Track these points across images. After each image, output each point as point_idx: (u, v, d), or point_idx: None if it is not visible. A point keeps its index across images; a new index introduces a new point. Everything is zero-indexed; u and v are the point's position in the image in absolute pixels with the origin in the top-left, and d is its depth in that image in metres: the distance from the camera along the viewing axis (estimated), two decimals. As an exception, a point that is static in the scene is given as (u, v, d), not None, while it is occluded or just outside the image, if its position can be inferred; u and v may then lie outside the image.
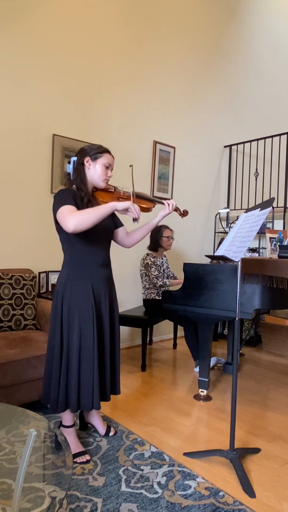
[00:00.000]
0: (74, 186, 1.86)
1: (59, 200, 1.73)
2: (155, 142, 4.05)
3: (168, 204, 1.95)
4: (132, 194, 1.90)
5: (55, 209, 1.73)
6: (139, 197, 1.95)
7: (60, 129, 3.25)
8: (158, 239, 3.44)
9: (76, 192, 1.82)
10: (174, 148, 4.26)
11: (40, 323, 2.71)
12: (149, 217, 2.24)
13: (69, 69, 3.29)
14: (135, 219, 1.75)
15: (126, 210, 1.74)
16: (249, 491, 1.66)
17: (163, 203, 1.99)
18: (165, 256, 3.66)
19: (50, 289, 3.08)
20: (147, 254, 3.41)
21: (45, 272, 3.09)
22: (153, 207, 1.99)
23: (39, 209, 3.14)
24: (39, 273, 3.07)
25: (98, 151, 1.83)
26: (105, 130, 3.60)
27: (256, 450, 2.01)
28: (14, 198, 3.00)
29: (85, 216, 1.64)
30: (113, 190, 1.92)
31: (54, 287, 3.02)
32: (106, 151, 1.86)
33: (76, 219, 1.62)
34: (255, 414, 2.46)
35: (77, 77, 3.35)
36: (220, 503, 1.58)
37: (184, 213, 2.11)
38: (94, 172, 1.83)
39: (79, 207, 1.75)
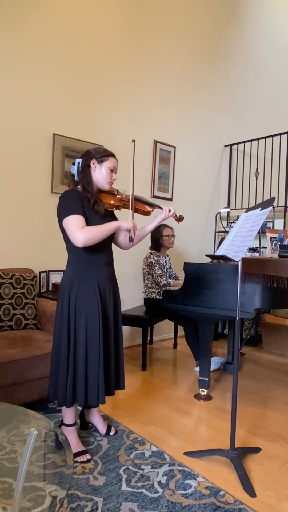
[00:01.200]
0: (79, 186, 1.90)
1: (66, 206, 1.78)
2: (156, 142, 4.05)
3: (166, 210, 2.03)
4: (132, 198, 1.94)
5: (62, 214, 1.78)
6: (139, 201, 2.00)
7: (60, 128, 3.25)
8: (158, 238, 3.45)
9: (82, 193, 1.85)
10: (174, 147, 4.26)
11: (40, 323, 2.71)
12: (147, 221, 2.25)
13: (69, 68, 3.29)
14: (131, 239, 1.91)
15: (128, 230, 1.89)
16: (250, 490, 1.66)
17: (161, 208, 2.04)
18: (167, 256, 3.66)
19: (50, 289, 3.08)
20: (151, 253, 3.42)
21: (46, 271, 3.09)
22: (152, 211, 2.04)
23: (39, 209, 3.14)
24: (40, 272, 3.07)
25: (103, 154, 1.88)
26: (105, 130, 3.60)
27: (257, 450, 2.01)
28: (14, 198, 3.00)
29: (95, 234, 1.75)
30: (115, 193, 1.97)
31: (56, 286, 3.03)
32: (112, 155, 1.91)
33: (86, 236, 1.73)
34: (256, 414, 2.46)
35: (78, 77, 3.35)
36: (221, 503, 1.58)
37: (180, 219, 2.18)
38: (100, 174, 1.88)
39: (84, 209, 1.80)
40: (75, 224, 1.73)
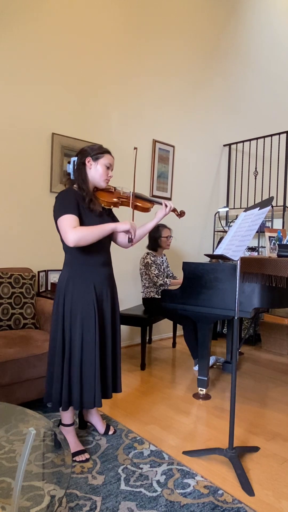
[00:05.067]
0: (75, 185, 1.87)
1: (60, 206, 1.76)
2: (155, 141, 4.05)
3: (166, 205, 2.00)
4: (132, 195, 1.92)
5: (57, 214, 1.76)
6: (138, 198, 1.98)
7: (59, 128, 3.24)
8: (157, 238, 3.44)
9: (78, 192, 1.83)
10: (173, 147, 4.26)
11: (39, 322, 2.71)
12: (147, 218, 2.25)
13: (68, 68, 3.28)
14: (130, 240, 1.84)
15: (126, 231, 1.83)
16: (248, 489, 1.67)
17: (161, 204, 2.02)
18: (164, 255, 3.66)
19: (49, 288, 3.08)
20: (147, 253, 3.41)
21: (45, 271, 3.09)
22: (152, 207, 2.02)
23: (38, 208, 3.13)
24: (39, 272, 3.07)
25: (99, 151, 1.86)
26: (104, 129, 3.59)
27: (255, 449, 2.01)
28: (13, 197, 2.99)
29: (87, 234, 1.71)
30: (113, 190, 1.94)
31: (54, 286, 3.03)
32: (107, 151, 1.88)
33: (77, 236, 1.69)
34: (254, 413, 2.46)
35: (77, 76, 3.35)
36: (219, 502, 1.59)
37: (181, 214, 2.15)
38: (95, 172, 1.85)
39: (80, 209, 1.78)
40: (67, 223, 1.71)
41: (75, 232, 1.69)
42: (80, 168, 1.85)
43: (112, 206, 1.91)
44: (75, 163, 1.87)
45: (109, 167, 1.88)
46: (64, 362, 1.81)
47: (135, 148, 1.90)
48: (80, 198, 1.81)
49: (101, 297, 1.88)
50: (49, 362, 1.88)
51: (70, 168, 1.89)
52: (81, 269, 1.84)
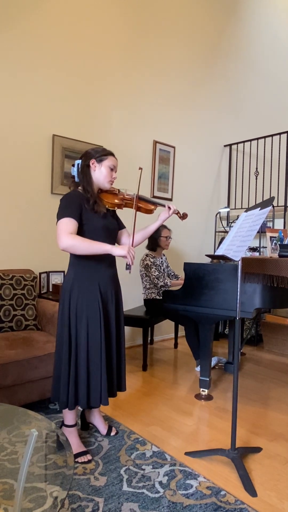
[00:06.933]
0: (80, 187, 1.90)
1: (62, 208, 1.79)
2: (155, 142, 4.05)
3: (169, 208, 2.03)
4: (135, 197, 1.95)
5: (58, 216, 1.79)
6: (141, 200, 2.01)
7: (60, 129, 3.25)
8: (156, 238, 3.44)
9: (83, 194, 1.85)
10: (174, 147, 4.26)
11: (41, 324, 2.72)
12: (150, 219, 2.25)
13: (69, 69, 3.29)
14: (128, 266, 1.77)
15: (122, 257, 1.77)
16: (251, 490, 1.66)
17: (163, 206, 2.05)
18: (164, 255, 3.65)
19: (51, 290, 3.09)
20: (146, 255, 3.40)
21: (46, 272, 3.09)
22: (155, 209, 2.04)
23: (39, 209, 3.14)
24: (40, 273, 3.07)
25: (103, 153, 1.89)
26: (105, 130, 3.60)
27: (258, 449, 2.01)
28: (14, 199, 3.00)
29: (78, 245, 1.71)
30: (117, 192, 1.97)
31: (56, 287, 3.03)
32: (111, 153, 1.92)
33: (68, 243, 1.70)
34: (256, 413, 2.46)
35: (77, 78, 3.35)
36: (222, 502, 1.58)
37: (183, 216, 2.17)
38: (100, 174, 1.88)
39: (83, 211, 1.81)
40: (63, 227, 1.73)
41: (68, 238, 1.70)
42: (85, 170, 1.88)
43: (116, 207, 1.95)
44: (80, 165, 1.90)
45: (113, 169, 1.91)
46: (70, 361, 1.83)
47: (140, 168, 1.93)
48: (84, 200, 1.83)
49: (106, 297, 1.90)
50: (56, 362, 1.90)
51: (74, 171, 1.92)
52: (86, 270, 1.86)
